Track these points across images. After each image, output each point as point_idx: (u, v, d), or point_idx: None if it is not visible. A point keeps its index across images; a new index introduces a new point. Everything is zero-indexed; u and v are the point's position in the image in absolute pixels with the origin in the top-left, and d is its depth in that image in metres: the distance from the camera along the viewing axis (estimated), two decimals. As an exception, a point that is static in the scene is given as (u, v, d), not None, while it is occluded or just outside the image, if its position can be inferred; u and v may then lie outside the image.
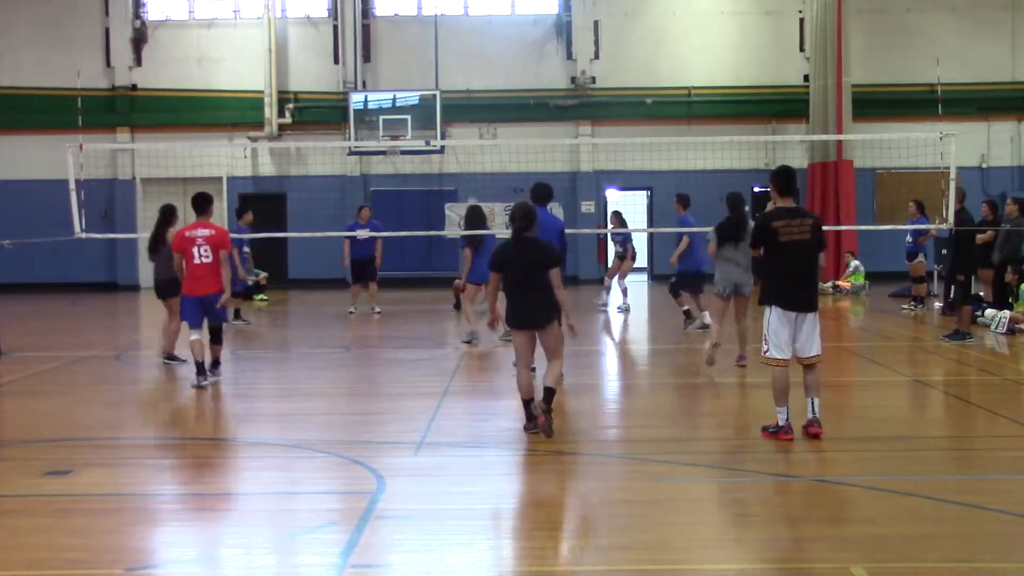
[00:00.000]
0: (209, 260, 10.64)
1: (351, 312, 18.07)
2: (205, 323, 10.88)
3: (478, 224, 14.40)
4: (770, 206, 8.52)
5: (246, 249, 17.47)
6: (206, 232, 10.73)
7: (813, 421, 8.00)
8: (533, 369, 8.61)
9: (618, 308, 18.68)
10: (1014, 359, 12.93)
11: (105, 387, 11.23)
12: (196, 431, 8.87)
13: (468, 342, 13.68)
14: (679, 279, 15.38)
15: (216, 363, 11.03)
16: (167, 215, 12.90)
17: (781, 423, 8.01)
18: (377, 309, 18.22)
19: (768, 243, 7.99)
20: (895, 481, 6.91)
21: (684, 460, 7.66)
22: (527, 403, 8.11)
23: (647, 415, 9.71)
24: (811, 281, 8.05)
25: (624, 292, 18.73)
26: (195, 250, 10.63)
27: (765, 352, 8.05)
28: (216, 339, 11.02)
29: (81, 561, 5.48)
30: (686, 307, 15.29)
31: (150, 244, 12.87)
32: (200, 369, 10.50)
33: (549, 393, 8.09)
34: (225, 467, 7.66)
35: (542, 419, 7.96)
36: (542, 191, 11.02)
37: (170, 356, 12.31)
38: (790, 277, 7.95)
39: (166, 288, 12.34)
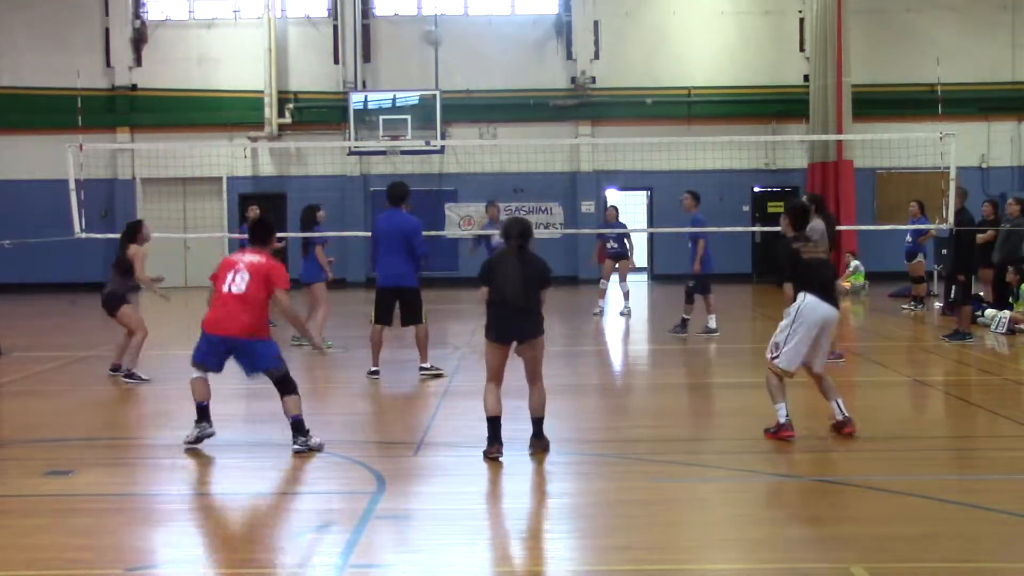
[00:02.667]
0: (241, 291, 7.97)
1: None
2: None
3: (309, 224, 14.53)
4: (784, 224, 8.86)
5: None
6: (254, 259, 8.14)
7: (845, 420, 8.18)
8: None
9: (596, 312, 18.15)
10: (1014, 359, 12.93)
11: (105, 387, 11.22)
12: (196, 431, 8.86)
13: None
14: (701, 282, 14.81)
15: (297, 425, 8.03)
16: (133, 231, 11.56)
17: (782, 420, 8.13)
18: None
19: (796, 265, 8.37)
20: (895, 481, 6.91)
21: (684, 460, 7.66)
22: (494, 420, 7.60)
23: (647, 415, 9.71)
24: (834, 292, 8.46)
25: (626, 296, 17.98)
26: (230, 275, 8.07)
27: (774, 359, 8.17)
28: (285, 389, 8.11)
29: (82, 561, 5.49)
30: (689, 316, 14.84)
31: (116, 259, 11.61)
32: (202, 415, 8.21)
33: (539, 424, 7.74)
34: (225, 467, 7.65)
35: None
36: (398, 191, 11.32)
37: (129, 374, 11.26)
38: (817, 283, 8.24)
39: (106, 301, 11.37)
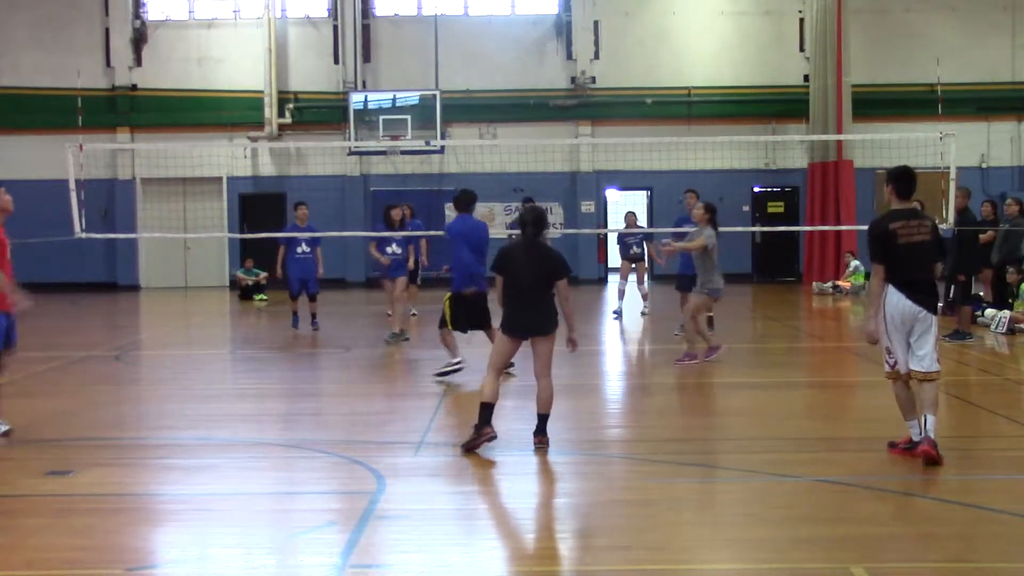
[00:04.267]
0: None
1: (389, 314, 17.64)
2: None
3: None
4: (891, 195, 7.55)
5: (304, 248, 16.04)
6: None
7: (927, 437, 7.29)
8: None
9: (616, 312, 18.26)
10: (1014, 359, 12.94)
11: (105, 387, 11.23)
12: (196, 431, 8.87)
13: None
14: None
15: None
16: None
17: (915, 438, 7.36)
18: (413, 311, 17.77)
19: (885, 248, 7.31)
20: (895, 481, 6.91)
21: (684, 460, 7.65)
22: (487, 407, 7.67)
23: (647, 415, 9.71)
24: (933, 283, 7.46)
25: (645, 297, 18.16)
26: None
27: (892, 364, 7.41)
28: None
29: (81, 561, 5.48)
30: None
31: None
32: None
33: (544, 421, 7.79)
34: (225, 467, 7.65)
35: (540, 440, 7.77)
36: (469, 198, 11.16)
37: None
38: (912, 273, 7.28)
39: None
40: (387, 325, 14.52)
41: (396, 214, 14.93)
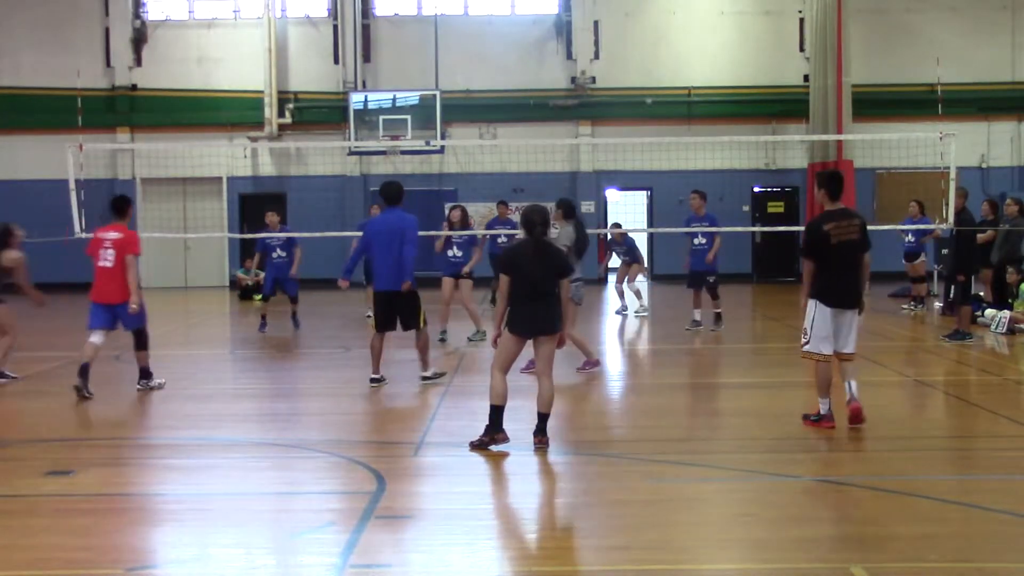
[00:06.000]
0: (110, 264, 10.21)
1: (368, 316, 17.43)
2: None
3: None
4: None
5: (280, 253, 16.02)
6: (114, 235, 10.31)
7: (853, 398, 8.29)
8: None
9: (619, 311, 18.54)
10: (1014, 359, 12.93)
11: (105, 387, 11.21)
12: (196, 431, 8.87)
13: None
14: (718, 278, 15.66)
15: (144, 373, 10.69)
16: (4, 236, 11.59)
17: (823, 411, 8.35)
18: (369, 313, 17.69)
19: (820, 247, 8.14)
20: (895, 481, 6.91)
21: (684, 460, 7.66)
22: (499, 410, 7.72)
23: (647, 415, 9.71)
24: (857, 279, 8.30)
25: (637, 294, 18.60)
26: (100, 252, 10.27)
27: (805, 346, 8.32)
28: (139, 344, 10.70)
29: (82, 561, 5.48)
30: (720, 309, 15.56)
31: None
32: (83, 371, 10.14)
33: (545, 420, 7.80)
34: (225, 467, 7.65)
35: (541, 440, 7.76)
36: (395, 190, 10.70)
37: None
38: (838, 276, 8.16)
39: None
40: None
41: (456, 215, 14.91)
